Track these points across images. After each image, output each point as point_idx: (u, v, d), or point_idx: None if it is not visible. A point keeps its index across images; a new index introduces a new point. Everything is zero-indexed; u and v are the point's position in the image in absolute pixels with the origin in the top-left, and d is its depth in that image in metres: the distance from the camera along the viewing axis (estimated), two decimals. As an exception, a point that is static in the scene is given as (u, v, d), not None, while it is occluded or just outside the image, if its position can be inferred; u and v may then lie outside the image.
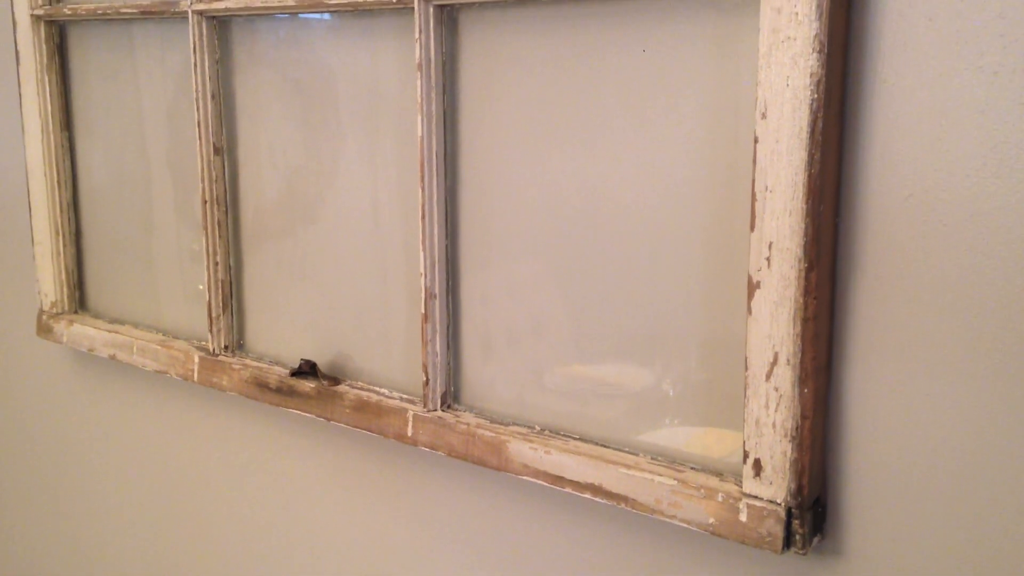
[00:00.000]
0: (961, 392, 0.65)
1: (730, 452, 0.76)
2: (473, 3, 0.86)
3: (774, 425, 0.70)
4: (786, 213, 0.67)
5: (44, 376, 1.41)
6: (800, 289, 0.68)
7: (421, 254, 0.91)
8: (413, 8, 0.87)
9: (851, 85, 0.67)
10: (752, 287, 0.70)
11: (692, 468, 0.78)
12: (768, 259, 0.69)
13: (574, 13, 0.80)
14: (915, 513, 0.68)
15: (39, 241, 1.28)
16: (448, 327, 0.94)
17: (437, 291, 0.92)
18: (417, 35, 0.87)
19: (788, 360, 0.69)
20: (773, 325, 0.69)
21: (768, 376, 0.70)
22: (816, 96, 0.65)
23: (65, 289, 1.29)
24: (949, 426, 0.66)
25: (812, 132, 0.66)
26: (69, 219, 1.28)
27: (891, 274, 0.66)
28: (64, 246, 1.28)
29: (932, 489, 0.67)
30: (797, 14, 0.65)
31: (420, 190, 0.90)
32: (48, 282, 1.28)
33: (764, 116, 0.68)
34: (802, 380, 0.69)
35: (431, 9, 0.87)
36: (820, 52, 0.64)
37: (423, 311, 0.92)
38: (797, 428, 0.69)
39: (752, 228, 0.69)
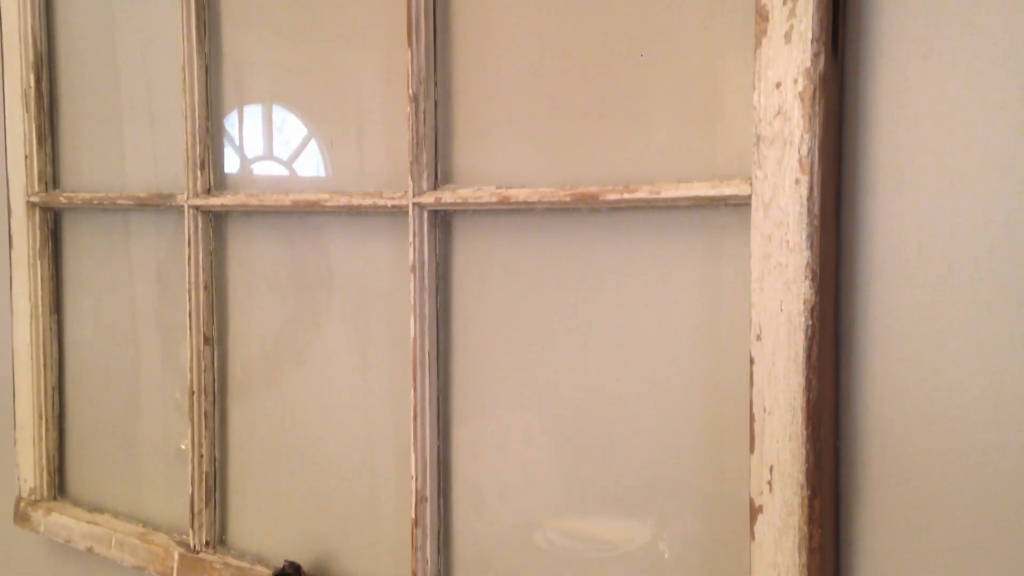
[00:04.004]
0: (976, 628, 0.62)
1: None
2: (466, 210, 0.87)
3: (783, 661, 0.67)
4: (786, 437, 0.66)
5: (20, 567, 1.35)
6: (804, 517, 0.66)
7: (412, 456, 0.89)
8: (408, 212, 0.88)
9: (844, 310, 0.67)
10: (755, 511, 0.68)
11: None
12: (770, 483, 0.67)
13: (567, 222, 0.81)
14: None
15: (21, 425, 1.25)
16: (439, 531, 0.91)
17: (428, 494, 0.89)
18: (411, 239, 0.87)
19: (795, 591, 0.66)
20: (778, 554, 0.67)
21: (775, 607, 0.67)
22: (811, 322, 0.65)
23: (45, 475, 1.25)
24: (966, 664, 0.63)
25: (808, 357, 0.65)
26: (53, 403, 1.26)
27: (896, 503, 0.65)
28: (47, 430, 1.25)
29: None
30: (788, 242, 0.65)
31: (412, 391, 0.88)
32: (28, 467, 1.25)
33: (759, 338, 0.67)
34: (810, 613, 0.66)
35: (425, 214, 0.88)
36: (812, 280, 0.65)
37: (413, 515, 0.89)
38: (808, 665, 0.66)
39: (752, 449, 0.68)
